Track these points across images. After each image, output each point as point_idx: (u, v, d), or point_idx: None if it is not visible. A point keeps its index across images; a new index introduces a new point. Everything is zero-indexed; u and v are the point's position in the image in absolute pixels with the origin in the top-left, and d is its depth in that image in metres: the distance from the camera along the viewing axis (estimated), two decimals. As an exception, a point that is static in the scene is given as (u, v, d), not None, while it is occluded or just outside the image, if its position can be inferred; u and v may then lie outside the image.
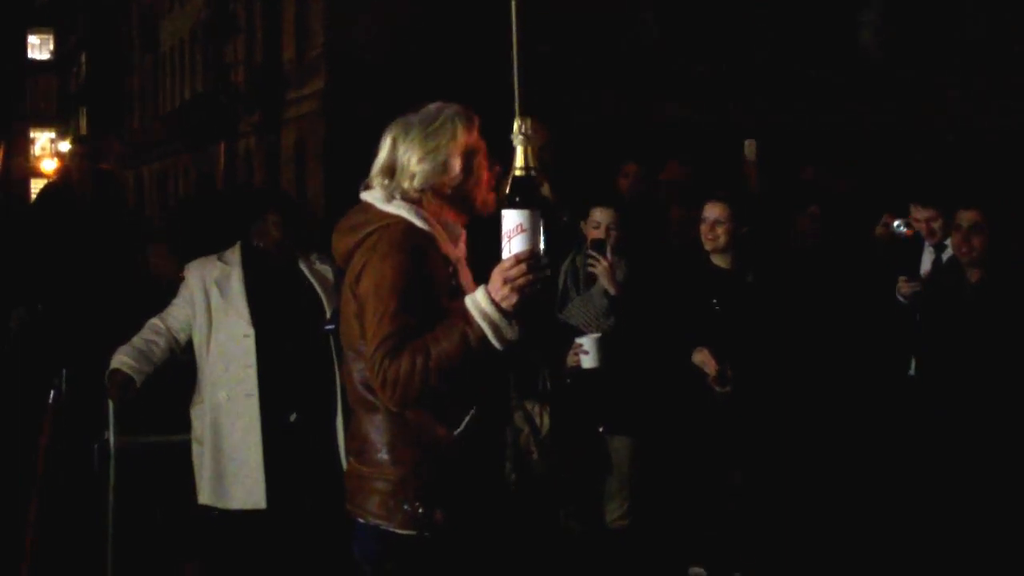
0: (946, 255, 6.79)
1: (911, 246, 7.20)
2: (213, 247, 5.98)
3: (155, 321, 5.76)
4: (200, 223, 9.97)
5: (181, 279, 5.89)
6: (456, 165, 3.61)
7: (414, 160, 3.58)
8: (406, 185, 3.59)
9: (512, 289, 3.31)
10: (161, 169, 47.03)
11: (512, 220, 3.32)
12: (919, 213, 7.01)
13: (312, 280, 5.72)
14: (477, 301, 3.35)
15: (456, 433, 3.52)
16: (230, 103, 33.46)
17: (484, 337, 3.33)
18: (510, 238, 3.32)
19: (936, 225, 6.91)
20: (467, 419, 3.53)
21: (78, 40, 63.84)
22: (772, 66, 25.25)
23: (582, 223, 6.50)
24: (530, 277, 3.31)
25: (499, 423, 3.76)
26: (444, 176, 3.60)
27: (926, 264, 7.11)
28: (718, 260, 6.32)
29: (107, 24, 57.59)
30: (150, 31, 49.36)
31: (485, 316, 3.33)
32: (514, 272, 3.30)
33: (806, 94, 24.80)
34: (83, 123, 64.05)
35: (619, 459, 6.43)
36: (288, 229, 5.76)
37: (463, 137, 3.62)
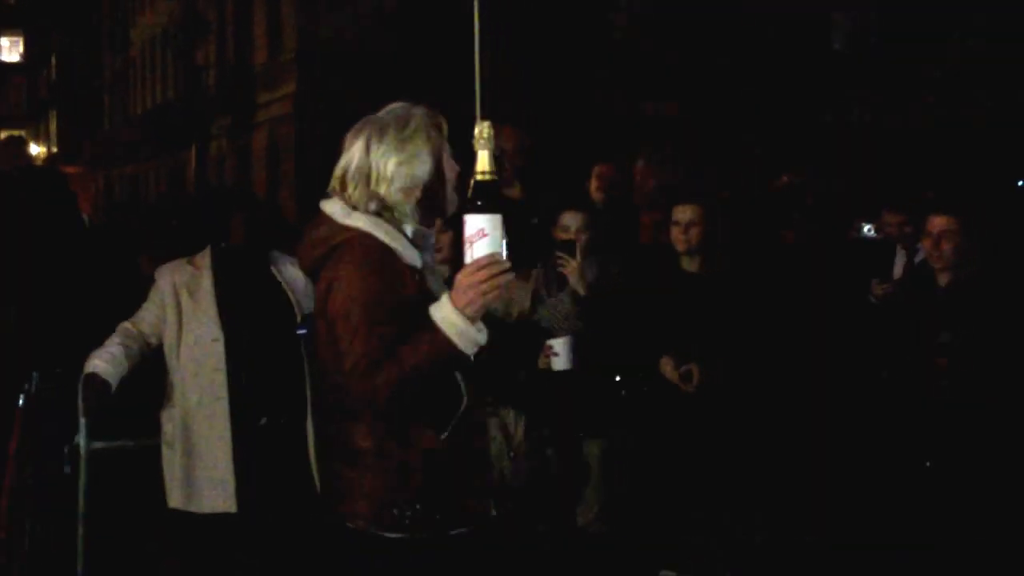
0: (918, 258, 6.84)
1: (883, 249, 7.24)
2: (184, 250, 5.97)
3: (126, 325, 5.74)
4: (171, 227, 9.94)
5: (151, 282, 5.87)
6: (431, 167, 3.62)
7: (392, 164, 3.57)
8: (383, 190, 3.58)
9: (476, 295, 3.31)
10: (132, 172, 46.85)
11: (474, 225, 3.31)
12: (890, 217, 7.08)
13: (283, 282, 5.70)
14: (441, 309, 3.35)
15: (443, 436, 3.54)
16: (201, 106, 33.38)
17: (451, 345, 3.33)
18: (472, 243, 3.31)
19: (908, 230, 6.97)
20: (452, 423, 3.54)
21: (48, 42, 63.53)
22: (747, 65, 25.33)
23: (552, 227, 6.51)
24: (493, 282, 3.30)
25: (483, 425, 3.77)
26: (421, 179, 3.61)
27: (898, 267, 7.15)
28: (687, 263, 6.34)
29: (77, 26, 57.33)
30: (121, 33, 49.23)
31: (449, 323, 3.33)
32: (476, 278, 3.30)
33: (781, 92, 24.88)
34: (53, 125, 63.79)
35: (592, 462, 6.43)
36: (255, 229, 5.74)
37: (435, 138, 3.64)
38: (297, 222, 15.28)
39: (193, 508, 5.55)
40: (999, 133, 24.44)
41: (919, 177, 17.53)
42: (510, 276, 3.34)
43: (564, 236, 6.34)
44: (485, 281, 3.30)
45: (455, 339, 3.33)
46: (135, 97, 47.53)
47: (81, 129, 56.92)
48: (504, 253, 3.33)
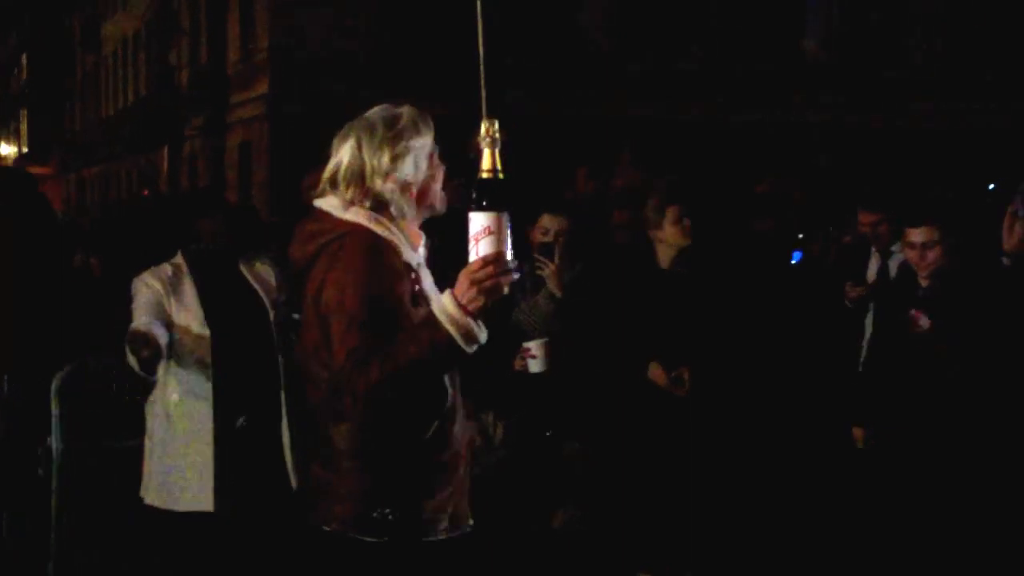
0: (893, 261, 6.82)
1: (857, 252, 7.22)
2: (154, 251, 5.93)
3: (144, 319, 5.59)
4: (140, 229, 9.88)
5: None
6: (424, 163, 3.62)
7: (386, 160, 3.56)
8: (379, 186, 3.57)
9: (479, 292, 3.29)
10: (103, 172, 46.62)
11: (479, 223, 3.29)
12: (865, 217, 7.04)
13: (253, 282, 5.67)
14: (444, 305, 3.32)
15: (425, 439, 3.51)
16: (174, 106, 33.25)
17: (452, 341, 3.30)
18: (477, 240, 3.29)
19: (882, 229, 6.93)
20: (435, 424, 3.51)
21: (19, 41, 63.13)
22: (720, 67, 25.42)
23: (530, 228, 6.49)
24: (497, 280, 3.29)
25: (463, 428, 3.74)
26: (414, 175, 3.60)
27: (872, 270, 7.13)
28: (664, 262, 6.35)
29: (48, 25, 56.97)
30: (92, 32, 48.93)
31: (452, 320, 3.30)
32: (481, 275, 3.28)
33: (753, 94, 24.98)
34: (24, 125, 63.42)
35: (569, 464, 6.42)
36: (226, 229, 5.70)
37: (426, 135, 3.63)
38: (270, 222, 15.21)
39: (169, 505, 5.51)
40: (970, 136, 24.61)
41: (892, 179, 17.62)
42: (515, 276, 3.33)
43: (543, 239, 6.33)
44: (489, 279, 3.28)
45: (456, 336, 3.30)
46: (107, 97, 47.26)
47: (52, 129, 56.60)
48: (509, 252, 3.32)
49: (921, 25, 27.55)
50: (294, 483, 5.40)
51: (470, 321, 3.31)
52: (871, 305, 6.73)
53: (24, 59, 62.37)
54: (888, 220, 6.87)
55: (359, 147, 3.58)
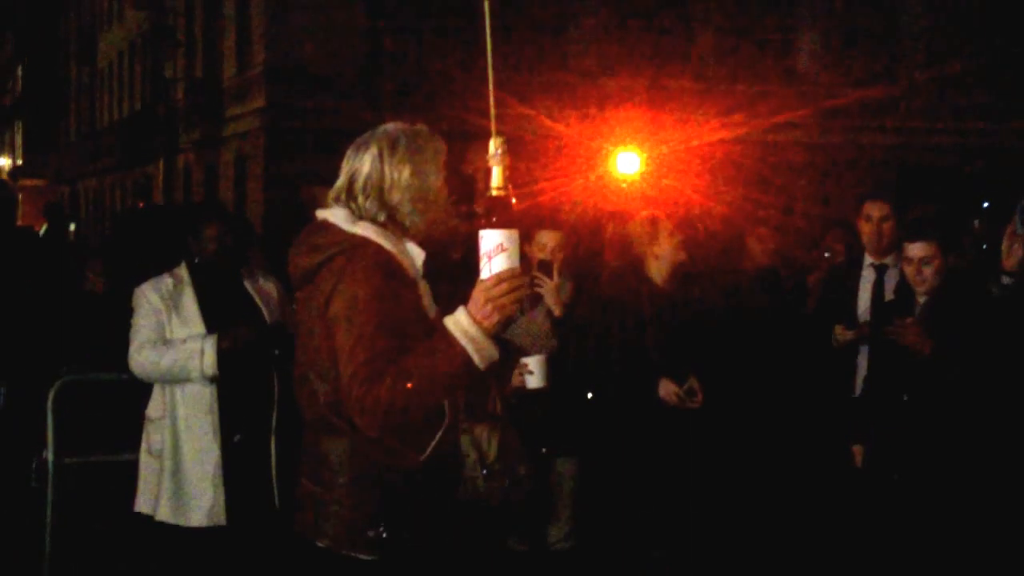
0: (888, 277, 6.74)
1: (850, 271, 7.06)
2: (154, 263, 5.93)
3: (152, 338, 5.59)
4: (140, 240, 9.90)
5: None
6: (440, 181, 3.61)
7: (407, 173, 3.56)
8: (396, 199, 3.55)
9: (495, 308, 3.28)
10: (98, 185, 46.59)
11: (492, 240, 3.29)
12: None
13: (256, 297, 5.67)
14: (459, 321, 3.31)
15: (422, 458, 3.49)
16: (169, 119, 33.23)
17: (467, 358, 3.29)
18: (490, 258, 3.29)
19: (886, 227, 6.73)
20: (433, 443, 3.49)
21: (13, 53, 63.10)
22: (713, 85, 25.47)
23: (527, 245, 6.50)
24: (512, 296, 3.28)
25: (457, 446, 3.72)
26: (431, 191, 3.60)
27: (866, 286, 6.99)
28: (657, 278, 6.37)
29: (43, 37, 56.94)
30: (87, 45, 48.92)
31: (468, 336, 3.29)
32: (496, 291, 3.27)
33: (746, 113, 25.01)
34: (18, 137, 63.35)
35: (563, 480, 6.42)
36: (227, 240, 5.70)
37: (441, 153, 3.64)
38: (265, 236, 15.21)
39: (182, 522, 5.50)
40: (965, 158, 24.66)
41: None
42: (527, 291, 3.32)
43: (541, 256, 6.33)
44: (504, 295, 3.28)
45: (472, 352, 3.28)
46: (102, 109, 47.24)
47: (47, 141, 56.54)
48: (519, 268, 3.32)
49: (913, 42, 27.60)
50: (277, 499, 5.42)
51: (486, 338, 3.29)
52: (860, 348, 6.63)
53: (19, 70, 62.32)
54: (894, 218, 6.72)
55: (380, 159, 3.56)
